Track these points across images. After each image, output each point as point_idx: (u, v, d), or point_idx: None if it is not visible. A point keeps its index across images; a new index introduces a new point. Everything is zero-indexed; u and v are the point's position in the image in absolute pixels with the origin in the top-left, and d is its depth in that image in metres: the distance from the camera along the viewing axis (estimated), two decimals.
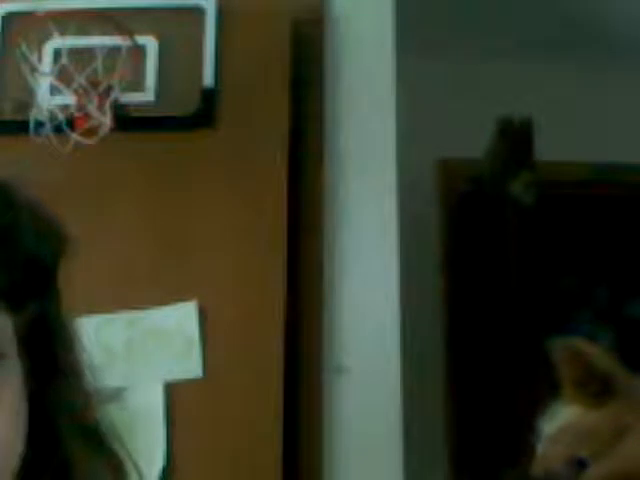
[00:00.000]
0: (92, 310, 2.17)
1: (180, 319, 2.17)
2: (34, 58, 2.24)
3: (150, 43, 2.35)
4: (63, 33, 2.26)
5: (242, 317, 2.18)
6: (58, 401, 0.93)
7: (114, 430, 0.98)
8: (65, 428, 0.93)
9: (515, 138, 3.09)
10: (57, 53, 2.29)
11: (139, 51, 2.30)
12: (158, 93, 2.33)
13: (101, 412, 0.97)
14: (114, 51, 2.25)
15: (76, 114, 2.24)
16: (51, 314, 0.98)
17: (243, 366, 2.14)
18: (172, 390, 2.12)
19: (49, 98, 2.28)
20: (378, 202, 2.37)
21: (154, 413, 2.10)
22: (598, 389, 1.19)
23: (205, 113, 2.32)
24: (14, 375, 0.87)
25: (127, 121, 2.28)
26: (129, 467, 0.98)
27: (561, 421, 1.22)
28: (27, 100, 2.29)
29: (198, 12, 2.39)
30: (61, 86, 2.25)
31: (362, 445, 2.21)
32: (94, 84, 2.24)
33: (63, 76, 2.25)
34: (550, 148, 3.05)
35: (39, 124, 2.24)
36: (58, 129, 2.23)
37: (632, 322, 3.52)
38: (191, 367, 2.13)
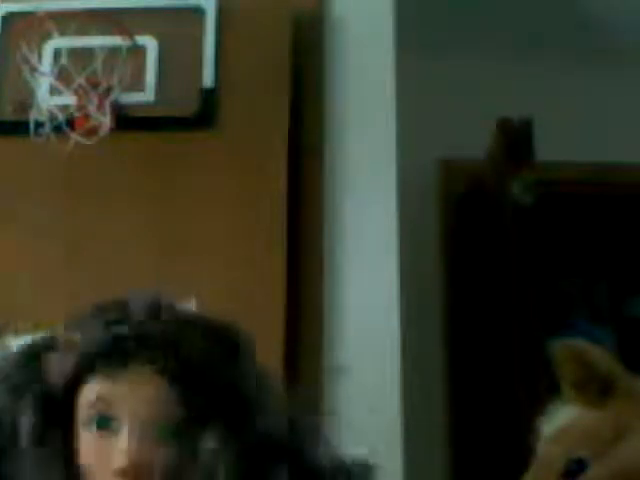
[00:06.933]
0: None
1: None
2: (34, 58, 2.24)
3: (150, 43, 2.35)
4: (63, 33, 2.26)
5: (242, 317, 2.17)
6: None
7: None
8: None
9: (515, 138, 3.08)
10: (57, 53, 2.29)
11: (139, 51, 2.30)
12: (158, 93, 2.33)
13: None
14: (114, 51, 2.25)
15: (76, 114, 2.24)
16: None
17: None
18: None
19: (49, 98, 2.28)
20: (378, 202, 2.37)
21: None
22: (598, 389, 1.19)
23: (205, 113, 2.32)
24: None
25: (127, 121, 2.28)
26: None
27: (561, 421, 1.22)
28: (27, 100, 2.29)
29: (198, 12, 2.39)
30: (61, 86, 2.25)
31: (362, 445, 2.20)
32: (94, 84, 2.24)
33: (63, 76, 2.25)
34: (550, 148, 3.05)
35: (39, 124, 2.24)
36: (58, 129, 2.23)
37: (632, 322, 3.51)
38: None
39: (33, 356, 1.22)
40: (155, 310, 1.22)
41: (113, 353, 1.16)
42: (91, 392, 1.17)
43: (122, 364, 1.16)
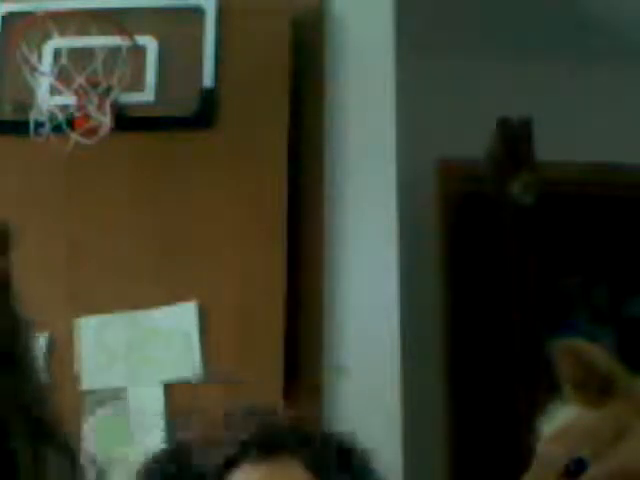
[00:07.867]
0: (92, 310, 2.18)
1: (180, 319, 2.17)
2: (34, 58, 2.24)
3: (150, 43, 2.35)
4: (63, 33, 2.26)
5: (242, 317, 2.18)
6: (7, 393, 1.00)
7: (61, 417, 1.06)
8: (14, 420, 0.99)
9: (515, 138, 3.08)
10: (57, 53, 2.29)
11: (139, 51, 2.30)
12: (158, 93, 2.33)
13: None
14: (114, 51, 2.26)
15: (76, 114, 2.24)
16: None
17: (243, 366, 2.14)
18: (172, 390, 2.12)
19: (49, 98, 2.28)
20: (378, 202, 2.37)
21: (154, 413, 2.10)
22: (598, 389, 1.19)
23: (205, 113, 2.32)
24: None
25: (127, 121, 2.28)
26: (79, 454, 1.07)
27: (561, 421, 1.22)
28: (27, 100, 2.29)
29: (198, 12, 2.39)
30: (61, 86, 2.25)
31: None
32: (94, 84, 2.24)
33: (63, 76, 2.26)
34: (550, 148, 3.05)
35: (39, 124, 2.24)
36: (58, 129, 2.23)
37: (632, 322, 3.51)
38: (191, 367, 2.13)
39: (181, 451, 1.39)
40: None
41: (263, 443, 1.35)
42: (242, 476, 1.34)
43: (270, 454, 1.35)
